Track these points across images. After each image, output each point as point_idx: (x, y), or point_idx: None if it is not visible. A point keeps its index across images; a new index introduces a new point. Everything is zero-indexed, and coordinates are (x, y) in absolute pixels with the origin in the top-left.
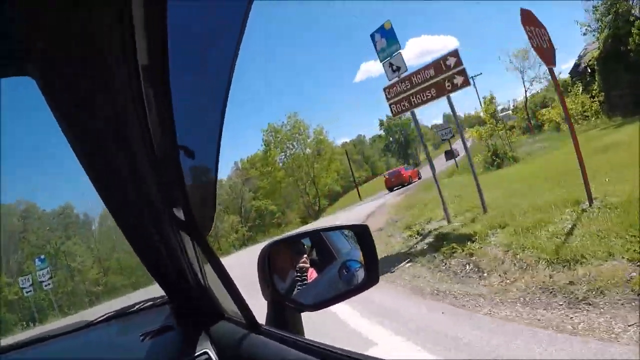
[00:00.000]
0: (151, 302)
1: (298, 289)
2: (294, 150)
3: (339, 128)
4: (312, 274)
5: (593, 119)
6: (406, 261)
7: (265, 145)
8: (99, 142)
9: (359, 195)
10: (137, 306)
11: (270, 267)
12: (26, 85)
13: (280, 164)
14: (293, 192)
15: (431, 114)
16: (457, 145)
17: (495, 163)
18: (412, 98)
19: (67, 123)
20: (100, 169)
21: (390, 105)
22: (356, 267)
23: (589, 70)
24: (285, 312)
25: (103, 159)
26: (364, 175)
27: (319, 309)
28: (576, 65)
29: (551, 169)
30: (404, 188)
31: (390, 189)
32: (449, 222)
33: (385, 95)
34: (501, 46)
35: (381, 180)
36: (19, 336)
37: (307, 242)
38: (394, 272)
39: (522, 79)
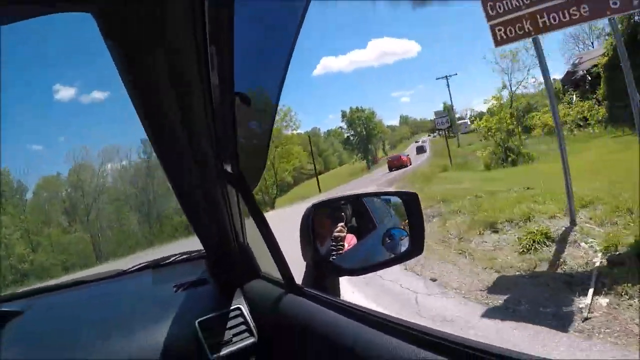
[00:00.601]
0: (186, 256)
1: (333, 258)
2: None
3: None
4: (351, 241)
5: (595, 127)
6: (590, 291)
7: None
8: (156, 87)
9: (319, 187)
10: (171, 258)
11: (313, 229)
12: (85, 22)
13: None
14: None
15: (389, 115)
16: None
17: (509, 159)
18: (542, 15)
19: (126, 66)
20: (155, 112)
21: (494, 28)
22: (400, 235)
23: (589, 78)
24: (324, 275)
25: (158, 104)
26: (317, 168)
27: (360, 275)
28: (569, 74)
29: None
30: (402, 170)
31: (390, 169)
32: (574, 222)
33: (486, 10)
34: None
35: (339, 175)
36: (53, 281)
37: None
38: (587, 317)
39: (509, 81)
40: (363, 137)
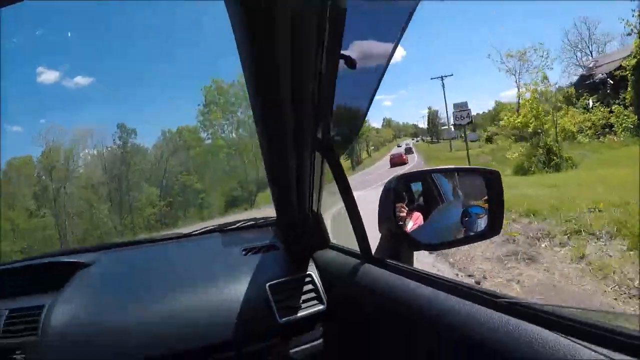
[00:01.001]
0: (253, 222)
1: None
2: (238, 119)
3: None
4: (417, 218)
5: (621, 133)
6: None
7: (206, 105)
8: (271, 46)
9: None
10: (237, 224)
11: (394, 201)
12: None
13: (222, 134)
14: (227, 170)
15: (372, 117)
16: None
17: (552, 163)
18: None
19: (246, 24)
20: (265, 72)
21: None
22: (479, 213)
23: (610, 82)
24: (400, 248)
25: (271, 63)
26: None
27: (438, 250)
28: (584, 77)
29: None
30: (400, 167)
31: (393, 166)
32: None
33: None
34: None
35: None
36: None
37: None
38: None
39: (517, 82)
40: None
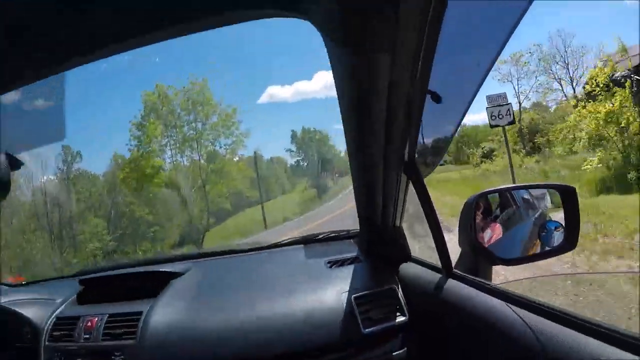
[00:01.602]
0: (335, 234)
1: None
2: (186, 131)
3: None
4: (496, 231)
5: None
6: None
7: (144, 114)
8: (368, 82)
9: (265, 221)
10: (320, 236)
11: (474, 217)
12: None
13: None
14: (177, 199)
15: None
16: None
17: None
18: None
19: (342, 68)
20: (362, 103)
21: None
22: (554, 227)
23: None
24: (479, 263)
25: (367, 96)
26: (255, 195)
27: (515, 265)
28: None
29: None
30: None
31: None
32: None
33: None
34: None
35: (284, 205)
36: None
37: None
38: None
39: (516, 90)
40: (315, 161)
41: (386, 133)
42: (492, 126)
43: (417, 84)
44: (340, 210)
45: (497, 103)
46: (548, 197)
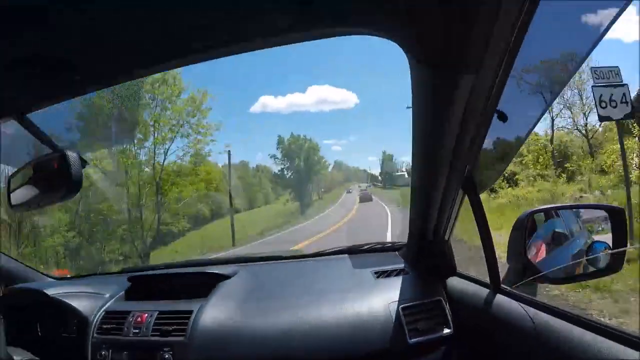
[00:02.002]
0: (380, 245)
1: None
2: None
3: (223, 152)
4: (541, 249)
5: None
6: None
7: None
8: (445, 100)
9: (233, 239)
10: (365, 246)
11: (526, 234)
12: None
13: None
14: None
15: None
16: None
17: None
18: None
19: (423, 86)
20: (432, 121)
21: None
22: (601, 248)
23: None
24: (525, 280)
25: (438, 116)
26: (239, 204)
27: (561, 284)
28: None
29: None
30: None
31: (361, 201)
32: None
33: None
34: None
35: (263, 217)
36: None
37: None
38: None
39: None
40: (301, 171)
41: (454, 149)
42: (601, 119)
43: (490, 102)
44: (325, 232)
45: (609, 81)
46: (596, 218)
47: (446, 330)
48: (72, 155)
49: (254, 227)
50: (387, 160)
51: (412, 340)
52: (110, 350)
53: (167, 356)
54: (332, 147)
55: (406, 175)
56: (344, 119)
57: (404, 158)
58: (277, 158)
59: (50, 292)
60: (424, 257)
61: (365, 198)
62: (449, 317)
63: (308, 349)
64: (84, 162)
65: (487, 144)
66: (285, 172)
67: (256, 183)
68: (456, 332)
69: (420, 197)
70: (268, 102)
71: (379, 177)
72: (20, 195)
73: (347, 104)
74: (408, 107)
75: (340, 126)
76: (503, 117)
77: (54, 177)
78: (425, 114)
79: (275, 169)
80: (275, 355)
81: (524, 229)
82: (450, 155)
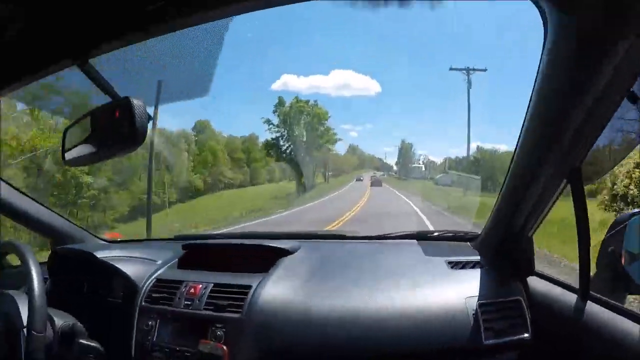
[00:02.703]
0: (452, 234)
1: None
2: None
3: (233, 122)
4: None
5: None
6: None
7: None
8: (577, 80)
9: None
10: (436, 233)
11: (620, 239)
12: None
13: None
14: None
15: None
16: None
17: None
18: None
19: (560, 58)
20: (555, 99)
21: None
22: None
23: None
24: (614, 286)
25: (565, 94)
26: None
27: None
28: None
29: None
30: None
31: (372, 185)
32: None
33: None
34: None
35: (258, 196)
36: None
37: None
38: None
39: None
40: (301, 143)
41: (574, 135)
42: None
43: (622, 82)
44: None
45: None
46: None
47: (524, 334)
48: (137, 102)
49: (231, 208)
50: (406, 149)
51: (488, 341)
52: (158, 321)
53: (219, 333)
54: (349, 132)
55: (423, 169)
56: (364, 106)
57: (422, 151)
58: (272, 124)
59: (100, 255)
60: (503, 253)
61: (376, 182)
62: (528, 320)
63: (379, 337)
64: (148, 115)
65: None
66: (282, 142)
67: (262, 159)
68: (534, 337)
69: (517, 186)
70: (289, 81)
71: (394, 167)
72: (77, 149)
73: (368, 91)
74: (451, 69)
75: (360, 112)
76: (635, 100)
77: (115, 128)
78: (555, 93)
79: (268, 136)
80: (341, 341)
81: (619, 233)
82: (568, 143)
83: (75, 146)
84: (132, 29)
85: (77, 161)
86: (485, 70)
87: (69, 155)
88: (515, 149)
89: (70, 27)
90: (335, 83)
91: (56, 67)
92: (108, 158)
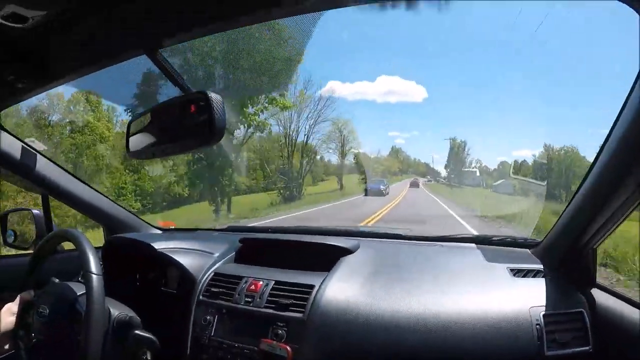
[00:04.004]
0: (511, 239)
1: None
2: None
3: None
4: None
5: None
6: None
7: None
8: None
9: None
10: (495, 238)
11: None
12: None
13: None
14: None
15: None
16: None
17: None
18: None
19: None
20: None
21: None
22: None
23: None
24: None
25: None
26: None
27: None
28: None
29: None
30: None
31: (411, 187)
32: None
33: None
34: None
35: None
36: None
37: None
38: None
39: None
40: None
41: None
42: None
43: None
44: None
45: None
46: None
47: (585, 347)
48: (215, 97)
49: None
50: (457, 148)
51: (550, 352)
52: (216, 316)
53: (280, 332)
54: (395, 140)
55: (477, 174)
56: (410, 112)
57: (475, 155)
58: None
59: (158, 246)
60: (566, 262)
61: (414, 184)
62: (590, 333)
63: (439, 344)
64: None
65: None
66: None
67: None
68: (595, 350)
69: (596, 195)
70: (335, 88)
71: (443, 173)
72: (142, 142)
73: (415, 97)
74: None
75: (407, 119)
76: None
77: (190, 122)
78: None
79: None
80: (402, 347)
81: None
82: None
83: (140, 139)
84: (200, 23)
85: (142, 154)
86: None
87: (133, 148)
88: (599, 154)
89: (143, 15)
90: (382, 90)
91: (126, 54)
92: (180, 153)
